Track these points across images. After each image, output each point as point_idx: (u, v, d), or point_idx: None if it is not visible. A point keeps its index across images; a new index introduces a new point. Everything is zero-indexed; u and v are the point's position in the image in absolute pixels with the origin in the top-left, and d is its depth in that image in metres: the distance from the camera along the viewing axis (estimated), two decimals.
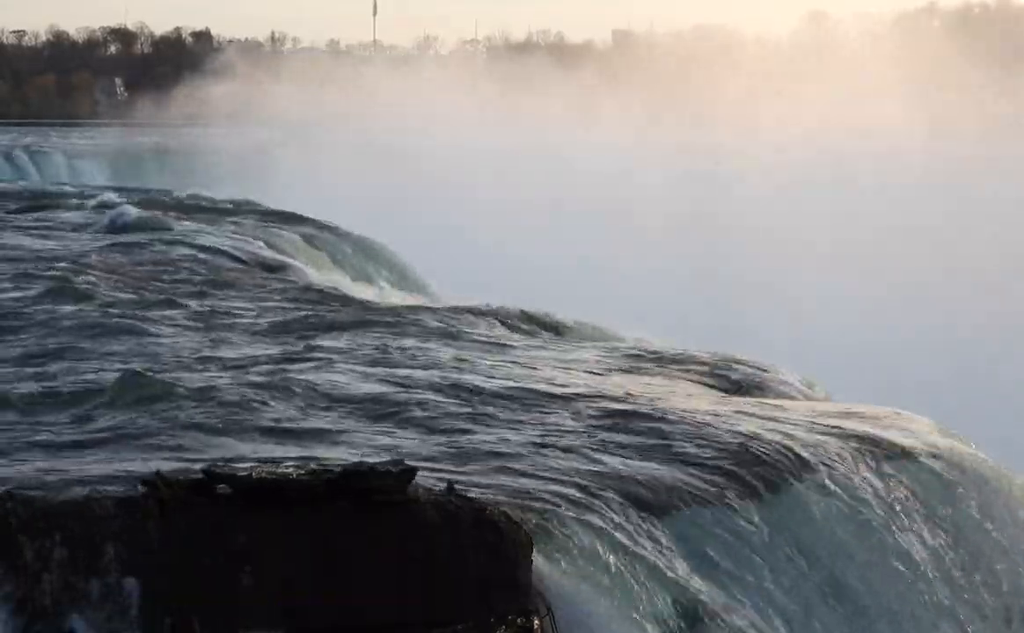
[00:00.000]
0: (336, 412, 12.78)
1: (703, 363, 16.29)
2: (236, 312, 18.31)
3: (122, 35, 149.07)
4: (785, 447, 12.21)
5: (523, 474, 11.02)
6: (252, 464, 9.65)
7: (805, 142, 65.54)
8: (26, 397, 12.92)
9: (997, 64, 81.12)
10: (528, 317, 19.64)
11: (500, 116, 76.79)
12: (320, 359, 15.15)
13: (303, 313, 18.46)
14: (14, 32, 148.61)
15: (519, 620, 9.07)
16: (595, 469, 11.31)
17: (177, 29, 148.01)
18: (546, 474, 11.07)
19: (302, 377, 14.02)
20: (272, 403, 12.80)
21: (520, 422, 12.73)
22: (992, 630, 11.65)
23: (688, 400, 14.11)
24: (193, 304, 18.94)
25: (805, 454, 12.15)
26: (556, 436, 12.20)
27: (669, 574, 10.02)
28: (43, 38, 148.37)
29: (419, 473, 9.49)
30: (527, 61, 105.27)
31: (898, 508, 11.95)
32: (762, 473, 11.63)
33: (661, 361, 16.47)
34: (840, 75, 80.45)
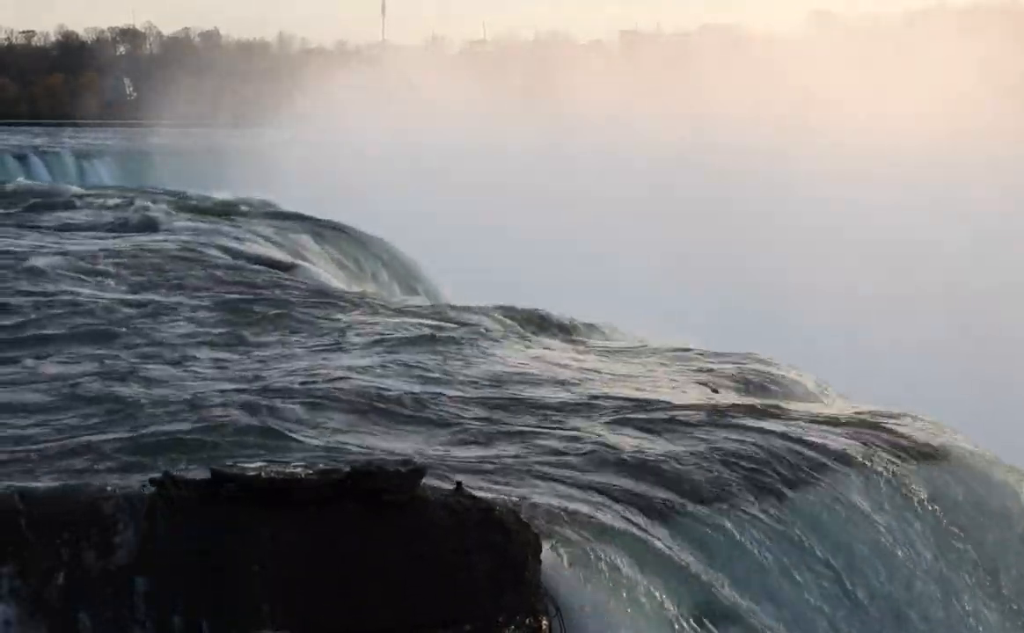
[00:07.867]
0: (345, 412, 12.77)
1: (713, 363, 16.27)
2: (244, 313, 18.31)
3: (131, 35, 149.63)
4: (797, 448, 12.18)
5: (532, 473, 11.01)
6: (261, 464, 9.64)
7: (809, 141, 65.30)
8: (35, 397, 12.93)
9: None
10: (539, 317, 19.64)
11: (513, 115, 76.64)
12: (328, 358, 15.15)
13: (310, 314, 18.47)
14: (23, 33, 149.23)
15: (527, 620, 9.04)
16: (605, 468, 11.29)
17: (185, 29, 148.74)
18: (555, 473, 11.06)
19: (311, 376, 14.03)
20: (281, 403, 12.79)
21: (528, 421, 12.72)
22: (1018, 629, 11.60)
23: (698, 400, 14.09)
24: (201, 304, 18.96)
25: (818, 455, 12.12)
26: (564, 435, 12.19)
27: (680, 575, 9.99)
28: (52, 38, 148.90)
29: (427, 473, 9.48)
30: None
31: (916, 509, 11.91)
32: (776, 474, 11.59)
33: (668, 361, 16.46)
34: (843, 74, 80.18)
